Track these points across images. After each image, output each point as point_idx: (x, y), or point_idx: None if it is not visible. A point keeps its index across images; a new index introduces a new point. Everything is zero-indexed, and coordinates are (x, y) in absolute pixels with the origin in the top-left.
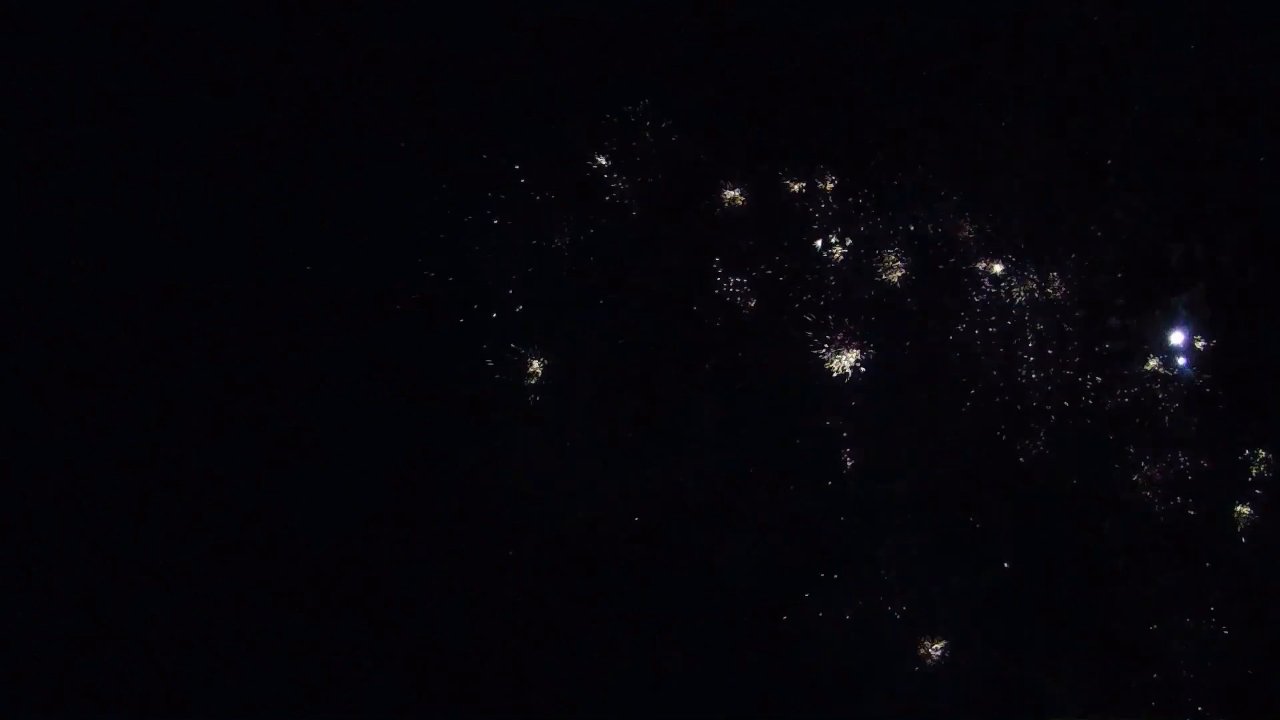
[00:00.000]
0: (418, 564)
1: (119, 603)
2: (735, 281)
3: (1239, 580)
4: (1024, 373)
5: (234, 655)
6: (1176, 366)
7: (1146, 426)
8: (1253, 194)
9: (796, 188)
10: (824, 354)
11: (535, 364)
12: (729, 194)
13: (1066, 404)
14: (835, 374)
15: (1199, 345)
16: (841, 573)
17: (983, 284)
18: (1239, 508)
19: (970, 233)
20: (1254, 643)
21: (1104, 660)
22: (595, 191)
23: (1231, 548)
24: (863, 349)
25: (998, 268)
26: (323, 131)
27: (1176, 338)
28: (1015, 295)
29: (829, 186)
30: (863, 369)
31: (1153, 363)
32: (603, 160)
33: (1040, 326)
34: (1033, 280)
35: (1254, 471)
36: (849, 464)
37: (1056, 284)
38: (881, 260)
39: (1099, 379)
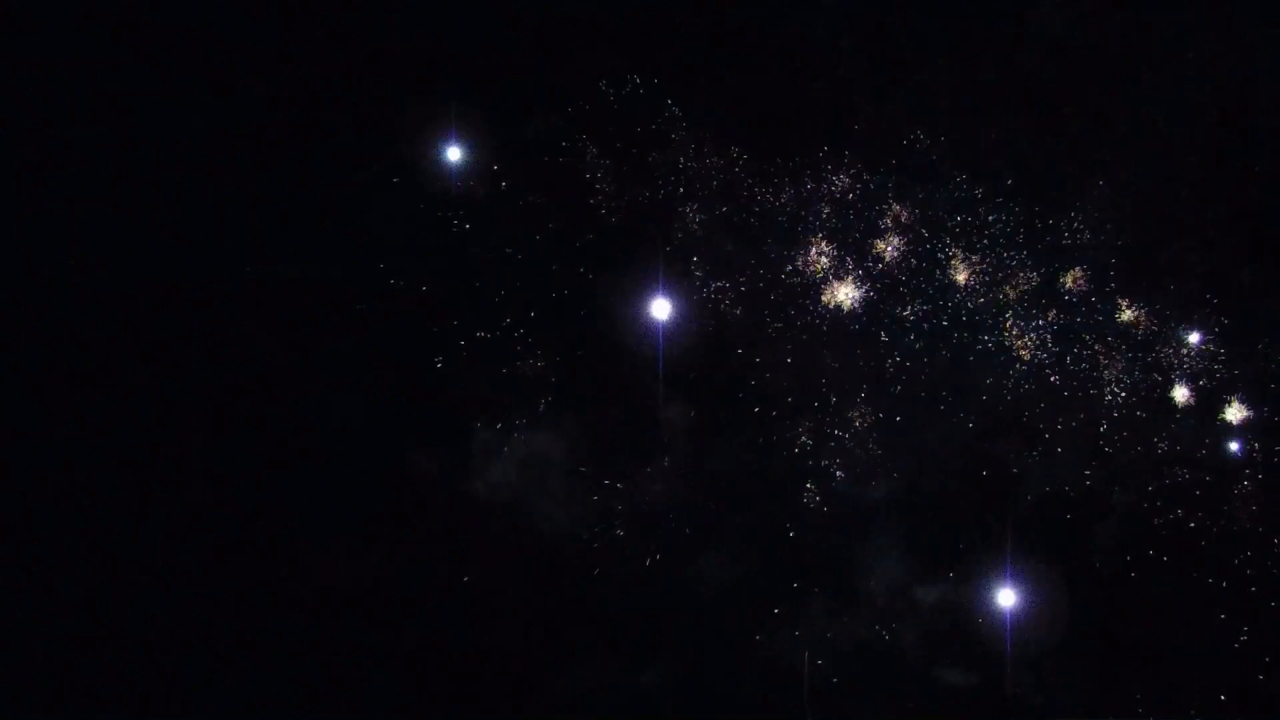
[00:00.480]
0: (404, 567)
1: (119, 603)
2: (717, 286)
3: (1238, 583)
4: (1009, 384)
5: (233, 655)
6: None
7: (1144, 436)
8: (1253, 194)
9: (786, 190)
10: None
11: (520, 368)
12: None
13: (1059, 421)
14: (822, 381)
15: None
16: (827, 586)
17: (974, 292)
18: (1237, 512)
19: (957, 235)
20: (1252, 644)
21: (1104, 661)
22: (581, 195)
23: (1230, 551)
24: (851, 358)
25: (982, 271)
26: (322, 131)
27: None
28: (1007, 303)
29: (818, 189)
30: (851, 376)
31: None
32: (589, 157)
33: (1033, 336)
34: (1025, 286)
35: (1250, 476)
36: (838, 475)
37: (1051, 289)
38: (869, 267)
39: (1092, 391)
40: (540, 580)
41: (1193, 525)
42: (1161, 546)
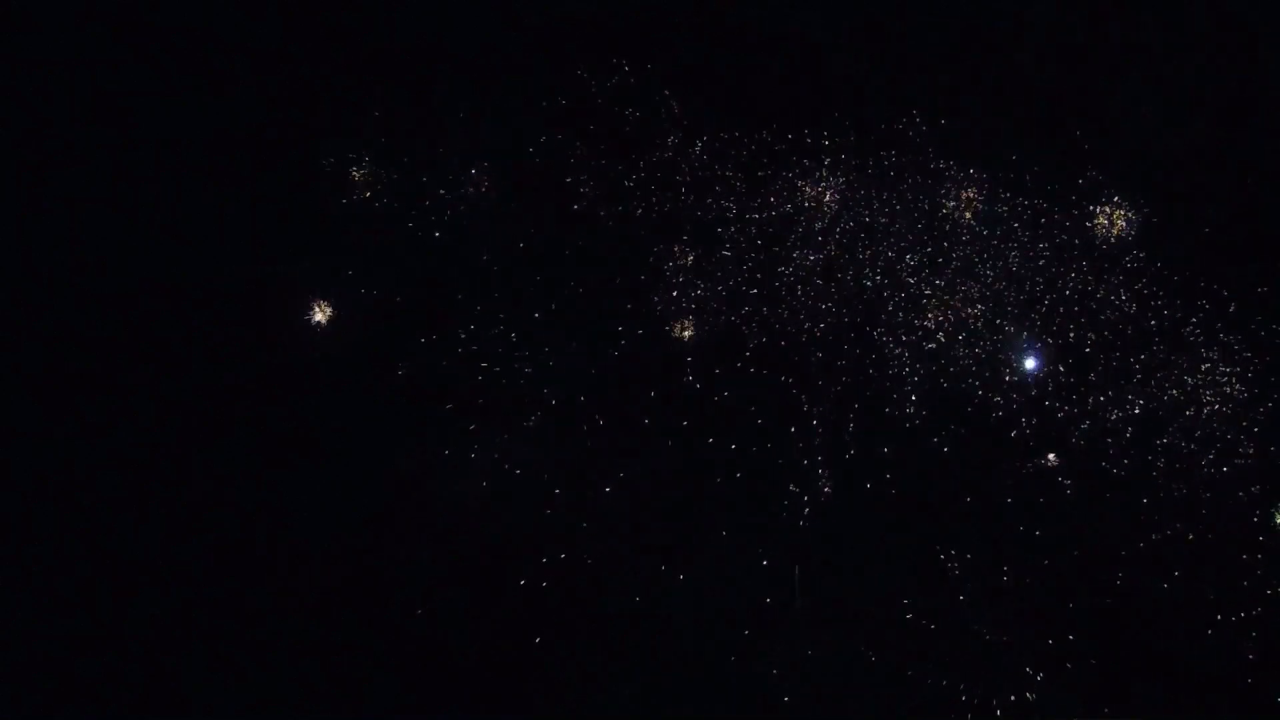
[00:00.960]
0: (403, 568)
1: (119, 603)
2: (706, 291)
3: (1238, 587)
4: (1002, 395)
5: (234, 655)
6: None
7: (1141, 441)
8: (1253, 194)
9: (778, 194)
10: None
11: (500, 370)
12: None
13: (1054, 433)
14: (813, 388)
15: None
16: (813, 600)
17: (969, 299)
18: (1236, 515)
19: (952, 237)
20: (1253, 643)
21: (1103, 664)
22: (569, 199)
23: (1231, 554)
24: (842, 365)
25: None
26: (323, 132)
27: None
28: (1003, 312)
29: (813, 194)
30: (839, 384)
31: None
32: (575, 159)
33: (1029, 344)
34: (1022, 293)
35: (1250, 479)
36: (825, 489)
37: (1047, 291)
38: (858, 269)
39: (1088, 400)
40: (536, 583)
41: (1191, 537)
42: (1160, 553)
